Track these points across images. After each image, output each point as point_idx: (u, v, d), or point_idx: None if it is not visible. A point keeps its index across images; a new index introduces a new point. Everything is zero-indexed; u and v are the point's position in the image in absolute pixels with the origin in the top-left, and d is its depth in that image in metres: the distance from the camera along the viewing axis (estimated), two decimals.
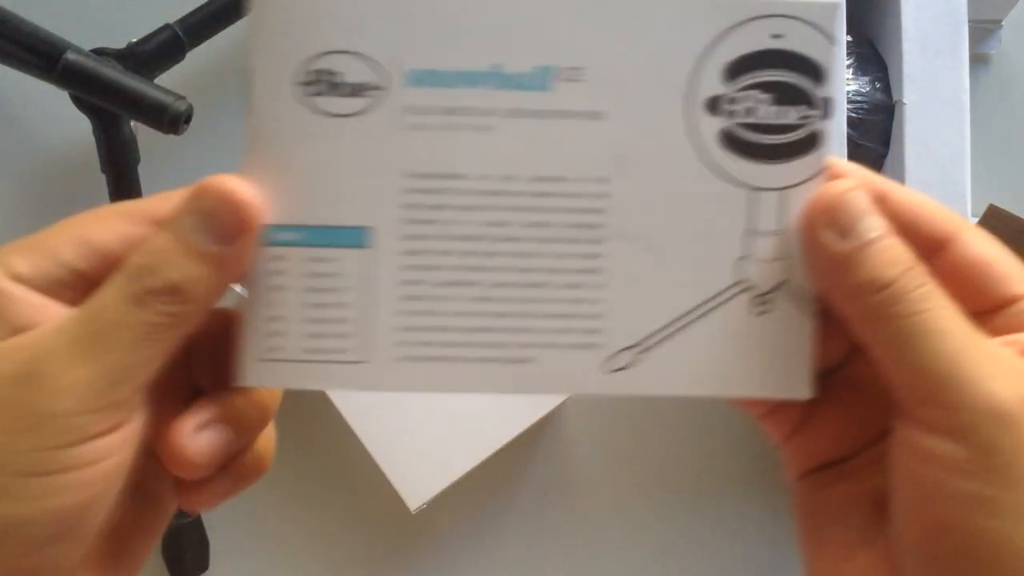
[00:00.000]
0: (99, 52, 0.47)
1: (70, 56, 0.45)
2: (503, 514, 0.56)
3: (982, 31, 0.56)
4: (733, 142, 0.23)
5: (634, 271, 0.23)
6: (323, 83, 0.23)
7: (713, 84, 0.23)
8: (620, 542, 0.56)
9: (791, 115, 0.23)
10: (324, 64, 0.23)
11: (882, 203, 0.22)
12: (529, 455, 0.56)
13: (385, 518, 0.56)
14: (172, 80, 0.49)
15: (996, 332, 0.22)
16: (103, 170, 0.49)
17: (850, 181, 0.22)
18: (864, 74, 0.47)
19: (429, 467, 0.51)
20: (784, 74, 0.23)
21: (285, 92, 0.23)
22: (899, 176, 0.46)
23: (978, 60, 0.56)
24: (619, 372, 0.23)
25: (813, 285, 0.23)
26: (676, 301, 0.23)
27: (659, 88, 0.23)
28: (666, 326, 0.23)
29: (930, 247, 0.22)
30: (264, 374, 0.22)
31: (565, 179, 0.23)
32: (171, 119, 0.45)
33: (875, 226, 0.21)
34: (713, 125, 0.23)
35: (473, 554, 0.57)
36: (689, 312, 0.23)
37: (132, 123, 0.49)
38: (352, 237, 0.23)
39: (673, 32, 0.23)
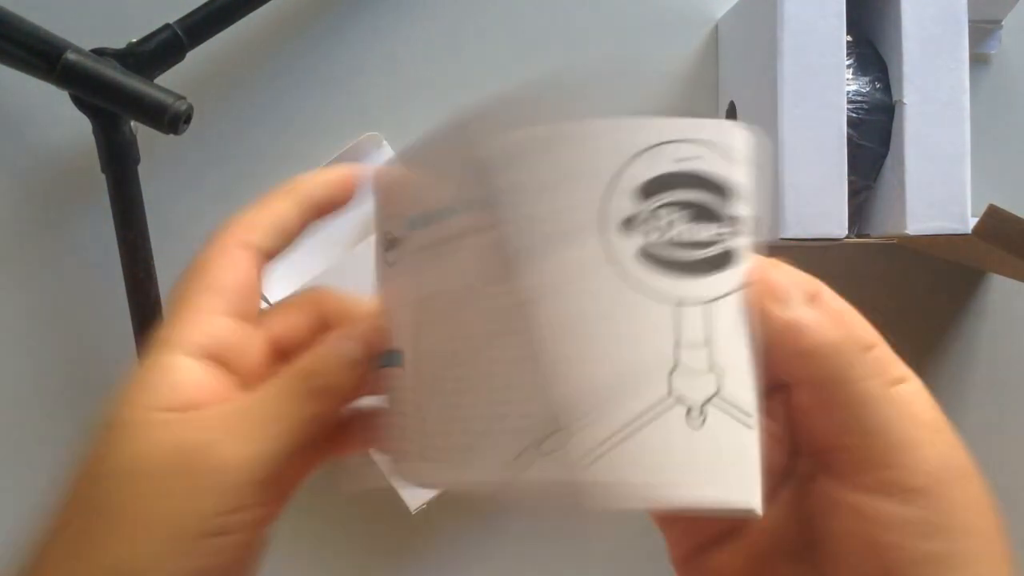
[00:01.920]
0: (99, 52, 0.47)
1: (70, 56, 0.45)
2: (503, 513, 0.56)
3: (982, 31, 0.56)
4: (653, 259, 0.23)
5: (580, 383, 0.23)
6: (386, 242, 0.28)
7: (626, 206, 0.23)
8: (620, 541, 0.56)
9: (704, 233, 0.23)
10: (386, 227, 0.28)
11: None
12: None
13: (385, 518, 0.56)
14: (172, 80, 0.49)
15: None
16: (103, 170, 0.49)
17: (777, 263, 0.24)
18: (864, 74, 0.47)
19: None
20: (694, 193, 0.23)
21: (380, 253, 0.29)
22: (899, 176, 0.46)
23: (978, 60, 0.56)
24: (570, 488, 0.23)
25: (765, 369, 0.23)
26: (615, 413, 0.23)
27: (574, 216, 0.23)
28: (606, 439, 0.23)
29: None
30: (410, 475, 0.27)
31: (508, 284, 0.24)
32: (171, 119, 0.45)
33: (831, 300, 0.24)
34: (631, 244, 0.23)
35: (473, 554, 0.57)
36: (627, 424, 0.23)
37: (132, 123, 0.49)
38: (396, 359, 0.26)
39: (582, 164, 0.23)
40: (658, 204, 0.23)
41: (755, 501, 0.23)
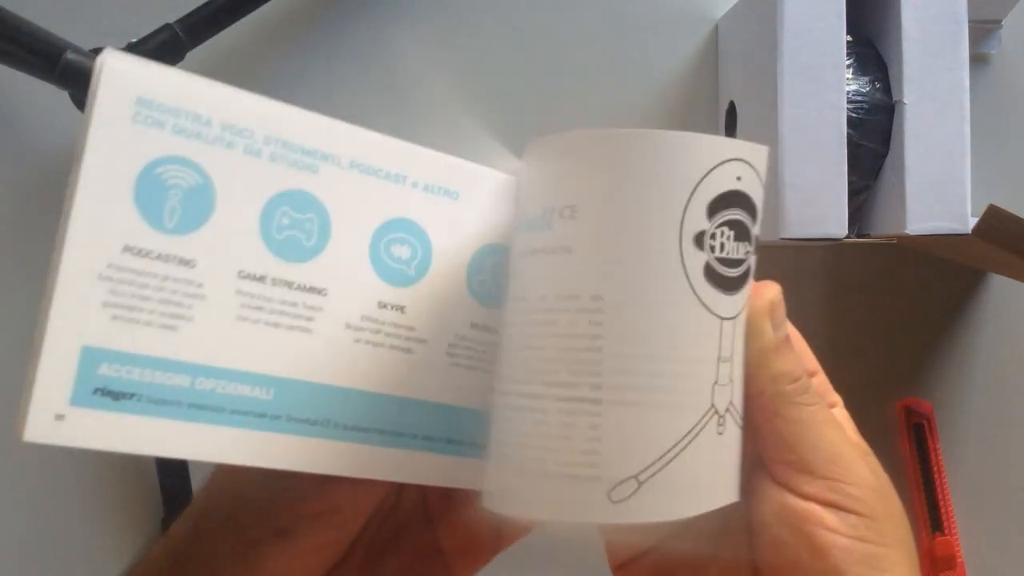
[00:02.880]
0: (99, 52, 0.47)
1: (70, 56, 0.45)
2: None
3: (982, 31, 0.55)
4: (711, 275, 0.24)
5: (631, 398, 0.24)
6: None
7: (700, 221, 0.24)
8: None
9: (741, 251, 0.25)
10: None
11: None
12: None
13: None
14: None
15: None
16: None
17: (777, 286, 0.26)
18: (864, 74, 0.47)
19: None
20: (739, 213, 0.24)
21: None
22: (899, 176, 0.46)
23: (978, 60, 0.56)
24: (622, 503, 0.23)
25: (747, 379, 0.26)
26: (670, 429, 0.24)
27: (656, 223, 0.23)
28: (662, 456, 0.24)
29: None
30: None
31: (570, 300, 0.24)
32: None
33: (789, 327, 0.27)
34: (700, 259, 0.24)
35: None
36: (681, 440, 0.24)
37: None
38: None
39: (670, 174, 0.23)
40: (720, 221, 0.24)
41: (736, 493, 0.25)
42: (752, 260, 0.25)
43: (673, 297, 0.23)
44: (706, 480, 0.24)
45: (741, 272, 0.24)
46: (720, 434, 0.24)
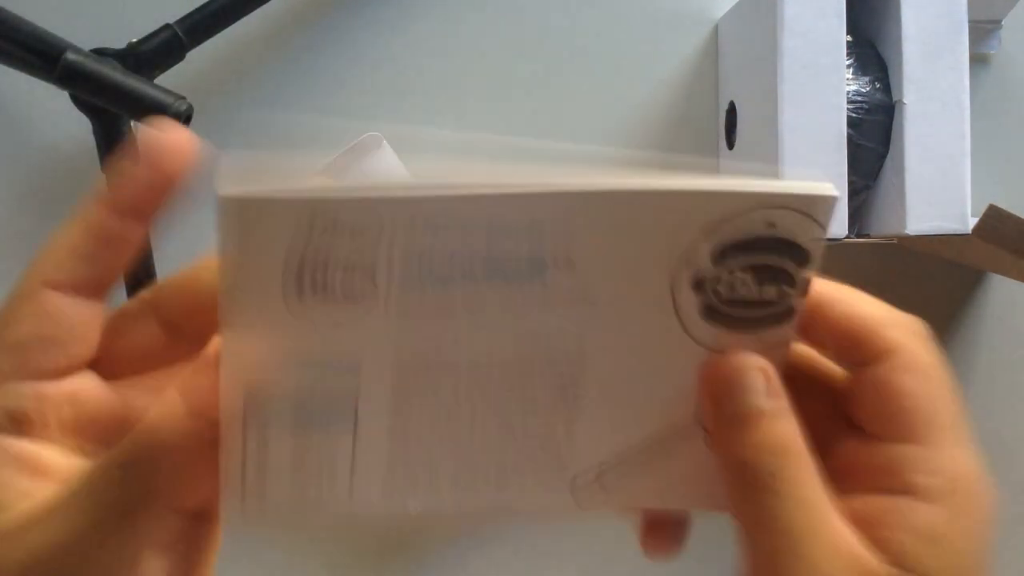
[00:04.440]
0: (99, 52, 0.47)
1: (70, 56, 0.45)
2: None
3: (982, 31, 0.55)
4: (713, 314, 0.24)
5: (605, 412, 0.24)
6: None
7: (702, 266, 0.23)
8: (620, 539, 0.56)
9: (771, 292, 0.24)
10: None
11: (818, 312, 0.23)
12: None
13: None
14: (172, 80, 0.49)
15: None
16: (103, 170, 0.49)
17: (751, 359, 0.23)
18: (864, 74, 0.47)
19: None
20: (770, 257, 0.23)
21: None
22: (899, 176, 0.46)
23: (978, 60, 0.56)
24: (585, 489, 0.25)
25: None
26: (639, 430, 0.25)
27: (648, 271, 0.23)
28: (625, 452, 0.25)
29: (867, 359, 0.23)
30: None
31: (544, 350, 0.24)
32: (171, 119, 0.45)
33: (759, 404, 0.22)
34: (697, 301, 0.23)
35: (473, 553, 0.57)
36: (649, 438, 0.24)
37: (132, 123, 0.49)
38: None
39: (669, 217, 0.23)
40: (732, 267, 0.23)
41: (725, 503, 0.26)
42: (800, 301, 0.24)
43: (660, 336, 0.24)
44: (686, 481, 0.25)
45: (769, 313, 0.24)
46: (709, 447, 0.25)
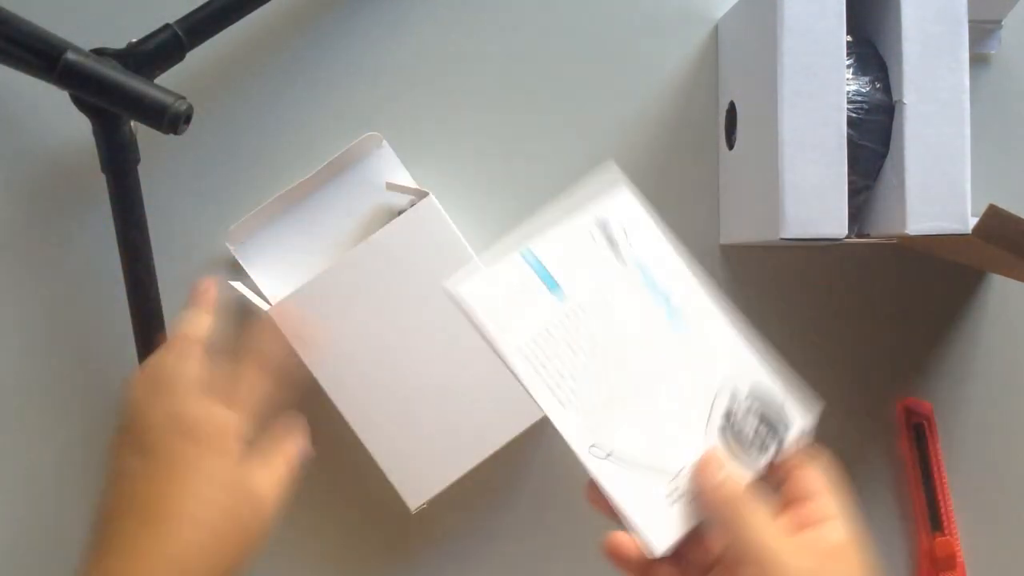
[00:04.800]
0: (99, 52, 0.47)
1: (70, 56, 0.45)
2: (502, 513, 0.56)
3: (982, 31, 0.55)
4: (722, 432, 0.40)
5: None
6: None
7: (734, 407, 0.40)
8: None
9: (763, 437, 0.40)
10: None
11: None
12: (528, 455, 0.56)
13: (385, 518, 0.56)
14: (172, 80, 0.49)
15: (797, 517, 0.39)
16: (103, 170, 0.49)
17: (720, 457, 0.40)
18: (864, 74, 0.47)
19: (429, 467, 0.51)
20: (775, 421, 0.41)
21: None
22: (899, 176, 0.46)
23: (978, 60, 0.56)
24: (599, 458, 0.38)
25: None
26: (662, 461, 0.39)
27: (710, 385, 0.40)
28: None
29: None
30: None
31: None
32: (171, 119, 0.45)
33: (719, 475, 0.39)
34: (719, 419, 0.40)
35: (473, 554, 0.57)
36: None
37: (132, 123, 0.49)
38: None
39: (741, 369, 0.41)
40: (750, 414, 0.41)
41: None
42: (773, 451, 0.41)
43: (692, 423, 0.41)
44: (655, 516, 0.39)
45: (755, 447, 0.41)
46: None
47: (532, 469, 0.56)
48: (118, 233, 0.50)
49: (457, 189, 0.56)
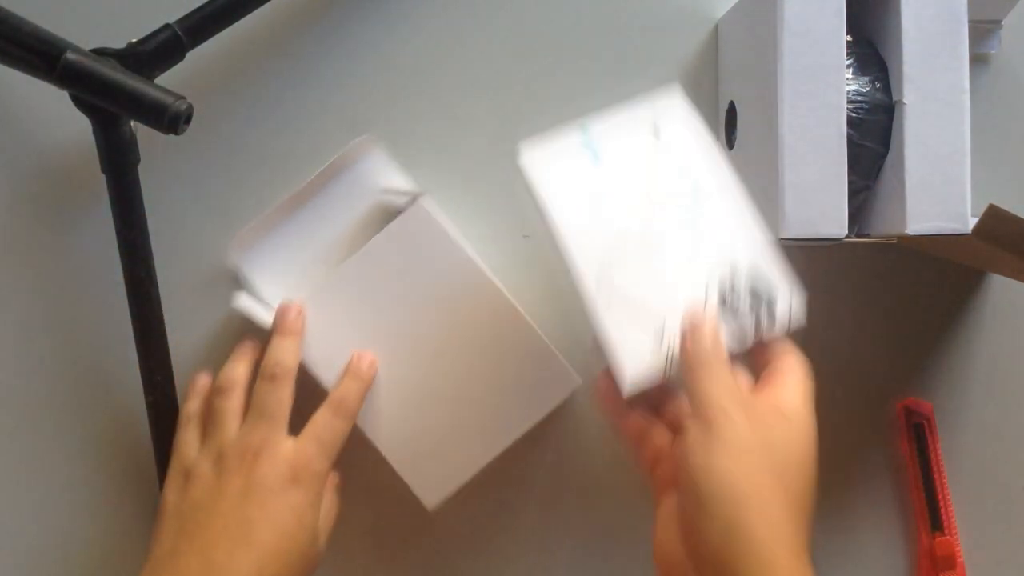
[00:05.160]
0: (99, 52, 0.47)
1: (70, 56, 0.45)
2: (516, 510, 0.56)
3: (982, 31, 0.56)
4: (720, 300, 0.43)
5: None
6: None
7: (733, 284, 0.44)
8: (634, 534, 0.56)
9: (757, 319, 0.43)
10: None
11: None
12: (541, 450, 0.56)
13: (397, 519, 0.56)
14: (172, 80, 0.49)
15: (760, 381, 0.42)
16: (103, 170, 0.49)
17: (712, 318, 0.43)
18: (864, 74, 0.47)
19: (443, 465, 0.51)
20: (765, 297, 0.44)
21: None
22: (899, 176, 0.46)
23: (978, 60, 0.56)
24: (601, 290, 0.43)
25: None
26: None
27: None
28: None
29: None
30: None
31: None
32: (171, 119, 0.45)
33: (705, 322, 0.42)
34: (715, 291, 0.44)
35: (486, 552, 0.57)
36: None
37: (132, 123, 0.49)
38: None
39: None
40: (744, 289, 0.44)
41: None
42: (764, 326, 0.44)
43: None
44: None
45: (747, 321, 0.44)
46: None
47: (546, 462, 0.56)
48: (118, 233, 0.50)
49: (456, 188, 0.56)
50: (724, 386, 0.39)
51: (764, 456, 0.38)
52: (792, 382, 0.41)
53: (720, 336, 0.41)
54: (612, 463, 0.56)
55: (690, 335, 0.41)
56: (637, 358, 0.42)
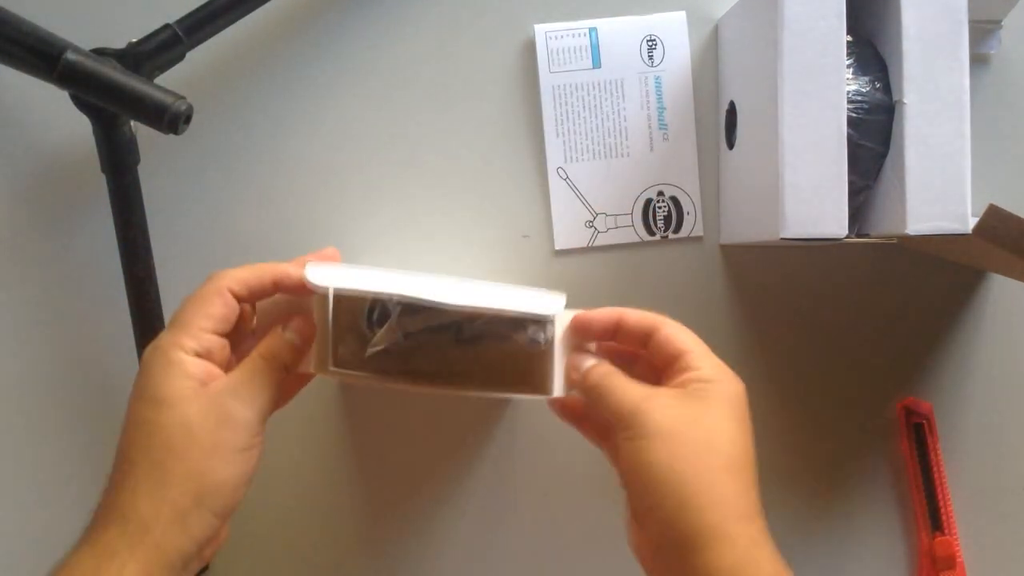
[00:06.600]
0: (99, 52, 0.47)
1: (70, 56, 0.45)
2: (507, 512, 0.56)
3: (982, 31, 0.55)
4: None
5: None
6: None
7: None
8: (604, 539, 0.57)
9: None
10: None
11: (619, 322, 0.44)
12: (516, 442, 0.56)
13: (385, 514, 0.56)
14: (172, 80, 0.49)
15: (671, 376, 0.42)
16: (103, 170, 0.49)
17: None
18: (864, 74, 0.47)
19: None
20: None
21: None
22: (899, 176, 0.46)
23: (978, 60, 0.56)
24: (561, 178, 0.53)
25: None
26: None
27: None
28: None
29: (642, 337, 0.44)
30: None
31: None
32: (171, 119, 0.45)
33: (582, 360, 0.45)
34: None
35: (475, 554, 0.57)
36: None
37: (132, 123, 0.49)
38: None
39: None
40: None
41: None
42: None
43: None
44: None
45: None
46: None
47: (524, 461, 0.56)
48: (118, 233, 0.50)
49: (456, 188, 0.56)
50: (625, 391, 0.41)
51: (690, 432, 0.40)
52: (688, 346, 0.42)
53: (597, 366, 0.44)
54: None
55: (573, 374, 0.44)
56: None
